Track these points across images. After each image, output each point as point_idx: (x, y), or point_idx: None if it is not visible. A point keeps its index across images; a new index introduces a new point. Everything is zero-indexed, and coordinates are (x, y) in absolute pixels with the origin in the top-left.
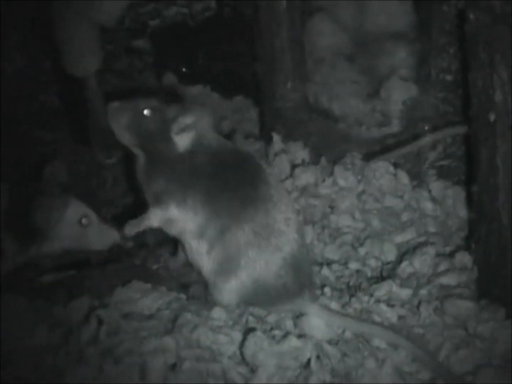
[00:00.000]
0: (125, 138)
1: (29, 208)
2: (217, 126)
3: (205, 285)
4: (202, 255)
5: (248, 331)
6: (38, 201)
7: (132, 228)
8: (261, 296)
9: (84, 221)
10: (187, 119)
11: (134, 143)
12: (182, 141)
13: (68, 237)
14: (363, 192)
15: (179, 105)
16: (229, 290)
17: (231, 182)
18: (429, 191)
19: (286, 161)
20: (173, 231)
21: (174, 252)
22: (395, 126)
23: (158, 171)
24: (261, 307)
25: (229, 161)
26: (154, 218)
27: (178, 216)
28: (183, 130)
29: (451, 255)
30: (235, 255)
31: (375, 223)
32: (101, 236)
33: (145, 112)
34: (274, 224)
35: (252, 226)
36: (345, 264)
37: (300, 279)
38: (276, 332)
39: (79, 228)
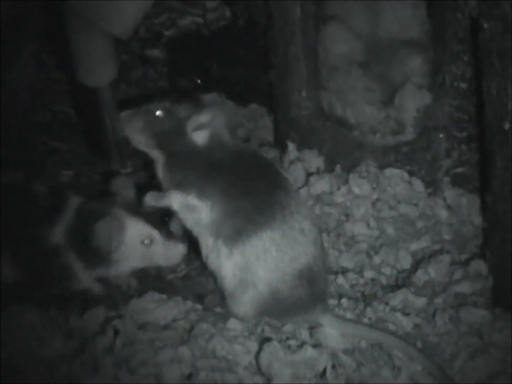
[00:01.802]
0: (142, 142)
1: (90, 231)
2: (232, 123)
3: (221, 296)
4: (222, 259)
5: (263, 341)
6: (97, 225)
7: (152, 199)
8: (277, 308)
9: (146, 241)
10: (202, 118)
11: (152, 145)
12: (199, 137)
13: (132, 258)
14: (378, 200)
15: (192, 103)
16: (247, 302)
17: (249, 184)
18: (444, 199)
19: (301, 169)
20: (190, 219)
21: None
22: (409, 134)
23: (179, 165)
24: (276, 318)
25: (248, 163)
26: (175, 200)
27: (197, 204)
28: (198, 128)
29: (466, 263)
30: (253, 263)
31: (390, 231)
32: (167, 253)
33: (157, 113)
34: (291, 233)
35: (270, 234)
36: (360, 272)
37: (315, 291)
38: (292, 342)
39: (143, 248)
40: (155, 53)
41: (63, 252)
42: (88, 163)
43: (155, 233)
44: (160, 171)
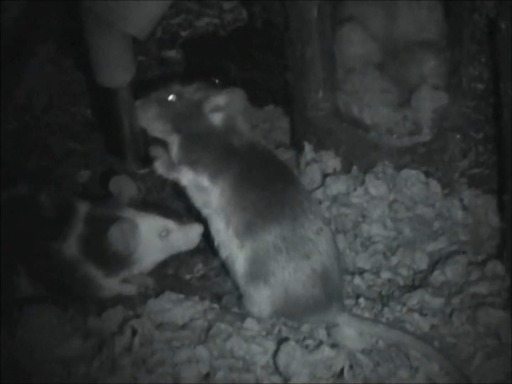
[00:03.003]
0: (159, 129)
1: (104, 239)
2: (247, 110)
3: (238, 295)
4: (233, 250)
5: (281, 341)
6: (110, 232)
7: (161, 168)
8: (292, 307)
9: (163, 233)
10: (220, 99)
11: (169, 130)
12: (216, 119)
13: (154, 253)
14: (394, 201)
15: (204, 85)
16: (260, 300)
17: (261, 178)
18: (461, 199)
19: (317, 170)
20: (198, 199)
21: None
22: (426, 135)
23: (195, 145)
24: (292, 319)
25: (261, 157)
26: (185, 176)
27: (207, 186)
28: (215, 109)
29: (483, 263)
30: (264, 259)
31: (407, 231)
32: (186, 238)
33: (170, 98)
34: (301, 231)
35: (279, 230)
36: (377, 273)
37: (330, 290)
38: (309, 342)
39: (161, 240)
40: (172, 54)
41: (80, 264)
42: (105, 164)
43: (169, 223)
44: (175, 151)
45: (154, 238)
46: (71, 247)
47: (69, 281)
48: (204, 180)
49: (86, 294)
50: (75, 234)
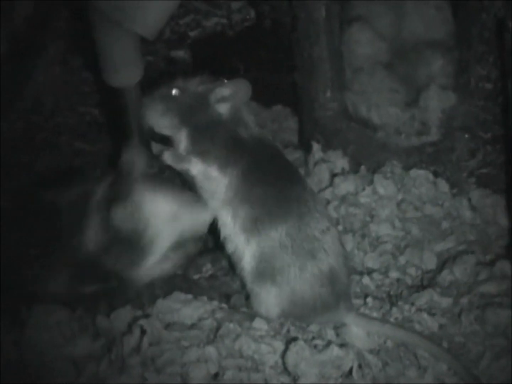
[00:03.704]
0: (167, 126)
1: (117, 229)
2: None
3: (247, 295)
4: (239, 245)
5: (290, 340)
6: (113, 213)
7: (170, 159)
8: (299, 308)
9: (171, 214)
10: (225, 90)
11: (176, 125)
12: (222, 109)
13: (163, 235)
14: (402, 200)
15: (207, 78)
16: (268, 300)
17: (268, 174)
18: (469, 199)
19: (325, 170)
20: (207, 190)
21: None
22: (434, 135)
23: (203, 136)
24: (300, 320)
25: (267, 150)
26: (195, 167)
27: (217, 177)
28: (221, 100)
29: (491, 263)
30: (270, 256)
31: (415, 231)
32: (196, 220)
33: (173, 93)
34: (308, 230)
35: (286, 227)
36: (386, 273)
37: (338, 290)
38: (318, 342)
39: (169, 222)
40: (180, 54)
41: (102, 257)
42: (113, 163)
43: (178, 205)
44: (184, 144)
45: (162, 219)
46: (91, 240)
47: (100, 277)
48: (214, 170)
49: (124, 290)
50: (91, 225)
